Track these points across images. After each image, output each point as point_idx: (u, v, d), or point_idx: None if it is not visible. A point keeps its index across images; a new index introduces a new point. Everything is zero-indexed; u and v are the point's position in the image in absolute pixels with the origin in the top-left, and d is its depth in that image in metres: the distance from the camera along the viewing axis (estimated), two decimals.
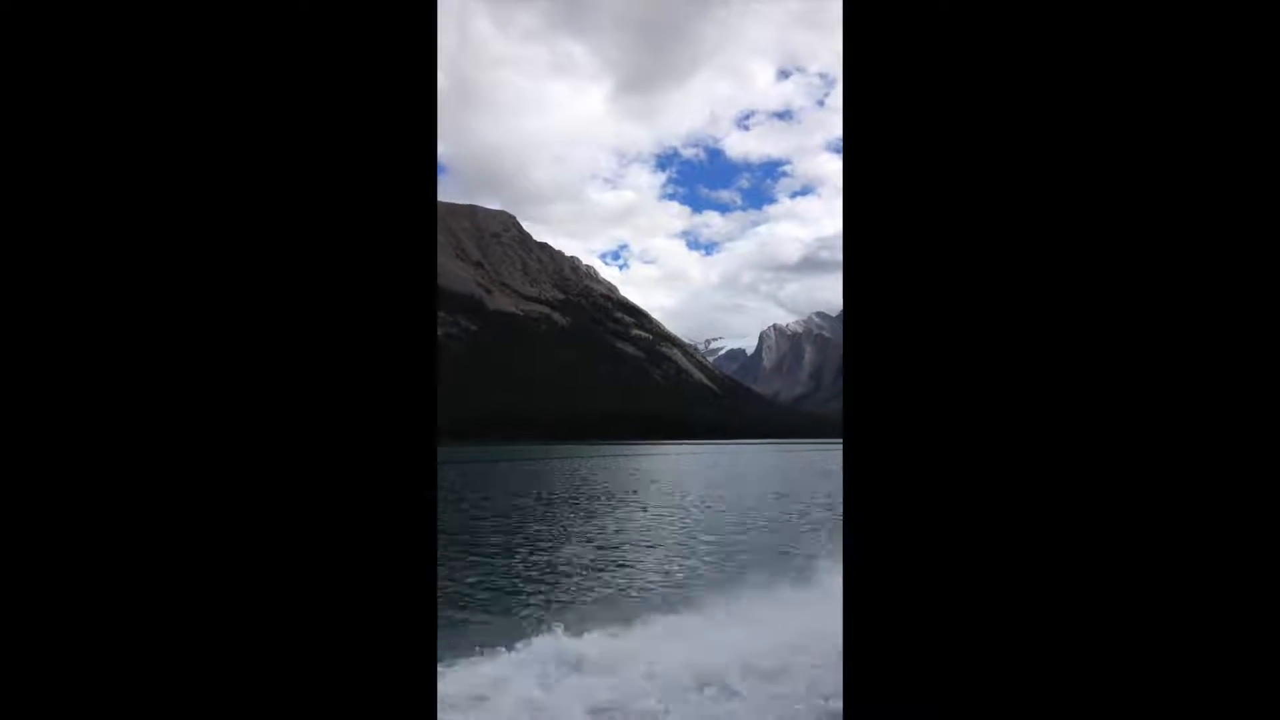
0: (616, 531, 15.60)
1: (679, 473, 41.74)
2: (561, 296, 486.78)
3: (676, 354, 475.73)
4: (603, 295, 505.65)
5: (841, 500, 1.78)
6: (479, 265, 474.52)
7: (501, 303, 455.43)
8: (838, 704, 3.93)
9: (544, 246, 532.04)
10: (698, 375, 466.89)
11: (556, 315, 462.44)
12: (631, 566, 11.14)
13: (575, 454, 76.83)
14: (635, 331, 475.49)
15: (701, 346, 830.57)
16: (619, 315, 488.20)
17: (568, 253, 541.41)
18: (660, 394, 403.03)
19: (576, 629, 6.17)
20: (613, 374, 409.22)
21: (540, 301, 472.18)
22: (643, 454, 79.27)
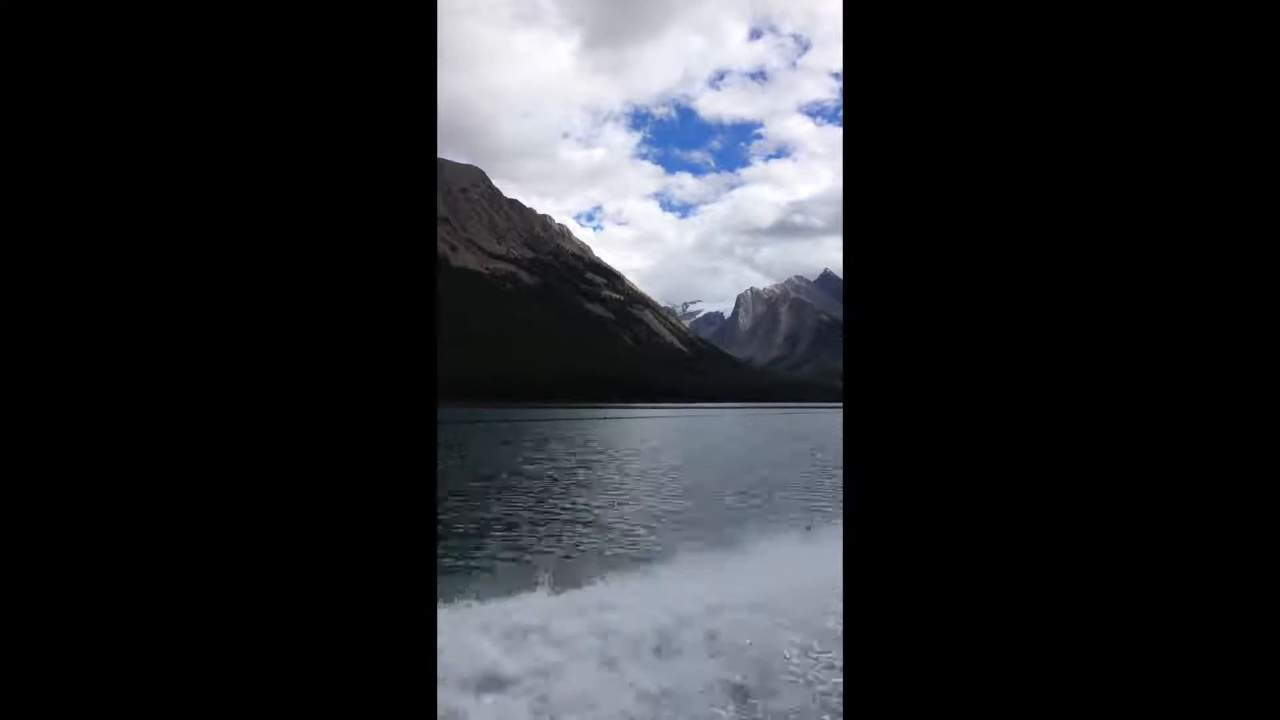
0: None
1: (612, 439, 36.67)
2: (531, 255, 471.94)
3: (648, 315, 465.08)
4: (574, 255, 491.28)
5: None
6: (444, 221, 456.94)
7: (466, 260, 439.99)
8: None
9: (514, 203, 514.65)
10: (669, 338, 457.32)
11: (523, 274, 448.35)
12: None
13: (517, 418, 69.09)
14: (606, 292, 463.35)
15: (680, 309, 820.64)
16: (590, 276, 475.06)
17: (539, 211, 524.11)
18: (630, 356, 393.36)
19: None
20: (580, 336, 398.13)
21: (507, 260, 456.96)
22: (597, 419, 71.57)
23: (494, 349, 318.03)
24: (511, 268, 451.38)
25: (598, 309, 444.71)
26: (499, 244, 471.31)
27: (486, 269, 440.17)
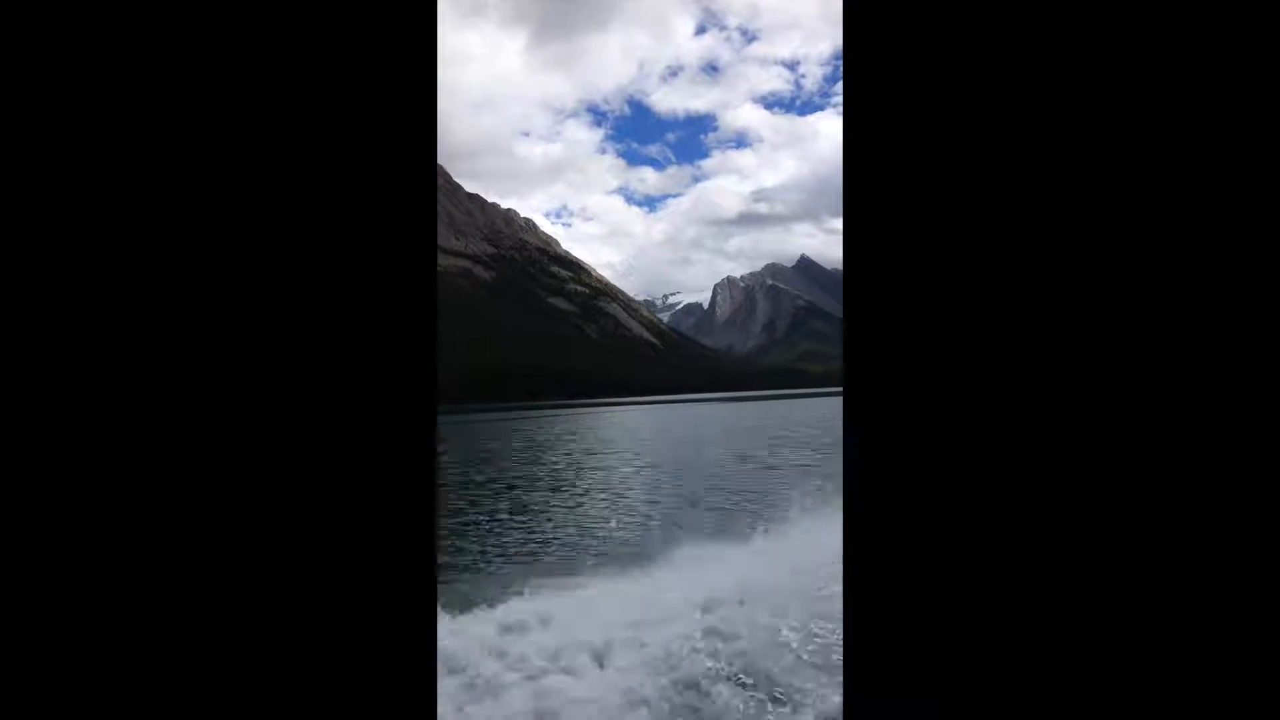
0: None
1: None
2: (492, 250, 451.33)
3: (615, 308, 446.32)
4: (538, 248, 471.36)
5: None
6: None
7: None
8: None
9: (474, 198, 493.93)
10: (638, 330, 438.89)
11: (479, 270, 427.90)
12: None
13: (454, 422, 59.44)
14: (571, 286, 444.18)
15: (659, 302, 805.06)
16: (554, 269, 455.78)
17: (504, 207, 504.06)
18: (596, 351, 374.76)
19: None
20: (544, 331, 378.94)
21: (465, 256, 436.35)
22: (530, 418, 63.13)
23: (450, 350, 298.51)
24: (467, 263, 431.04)
25: (561, 303, 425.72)
26: (457, 240, 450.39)
27: (440, 265, 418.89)
